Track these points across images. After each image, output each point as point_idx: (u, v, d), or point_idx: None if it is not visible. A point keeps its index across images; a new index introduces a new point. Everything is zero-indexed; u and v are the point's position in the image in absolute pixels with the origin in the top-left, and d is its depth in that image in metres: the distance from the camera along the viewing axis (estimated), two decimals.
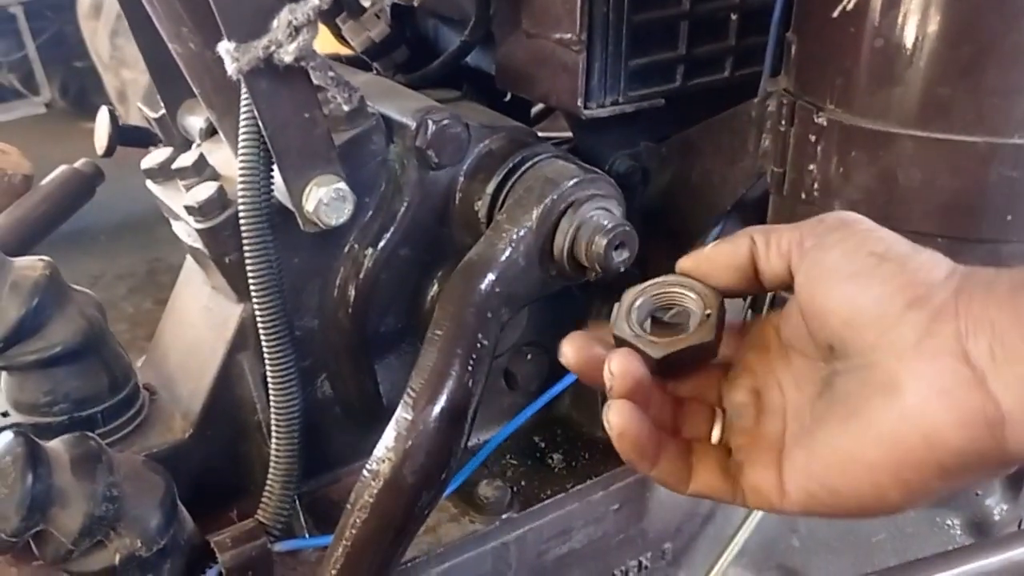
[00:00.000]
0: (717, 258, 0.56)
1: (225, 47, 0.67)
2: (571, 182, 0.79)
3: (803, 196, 0.76)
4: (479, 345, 0.74)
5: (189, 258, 0.94)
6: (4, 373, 0.86)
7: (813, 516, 0.51)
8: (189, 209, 0.78)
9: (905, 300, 0.46)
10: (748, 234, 0.54)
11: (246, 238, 0.75)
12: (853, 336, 0.47)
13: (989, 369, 0.42)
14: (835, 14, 0.66)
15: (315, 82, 0.73)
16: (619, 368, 0.52)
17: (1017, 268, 0.45)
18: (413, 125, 0.80)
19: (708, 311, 0.55)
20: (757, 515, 1.04)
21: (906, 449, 0.44)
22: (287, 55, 0.67)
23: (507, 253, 0.77)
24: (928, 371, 0.44)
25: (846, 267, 0.48)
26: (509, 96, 1.05)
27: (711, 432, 0.57)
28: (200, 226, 0.78)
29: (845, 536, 1.18)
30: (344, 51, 1.11)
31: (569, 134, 1.03)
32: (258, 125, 0.72)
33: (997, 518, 1.22)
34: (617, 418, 0.52)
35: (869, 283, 0.47)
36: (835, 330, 0.49)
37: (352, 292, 0.85)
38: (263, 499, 0.83)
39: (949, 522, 1.22)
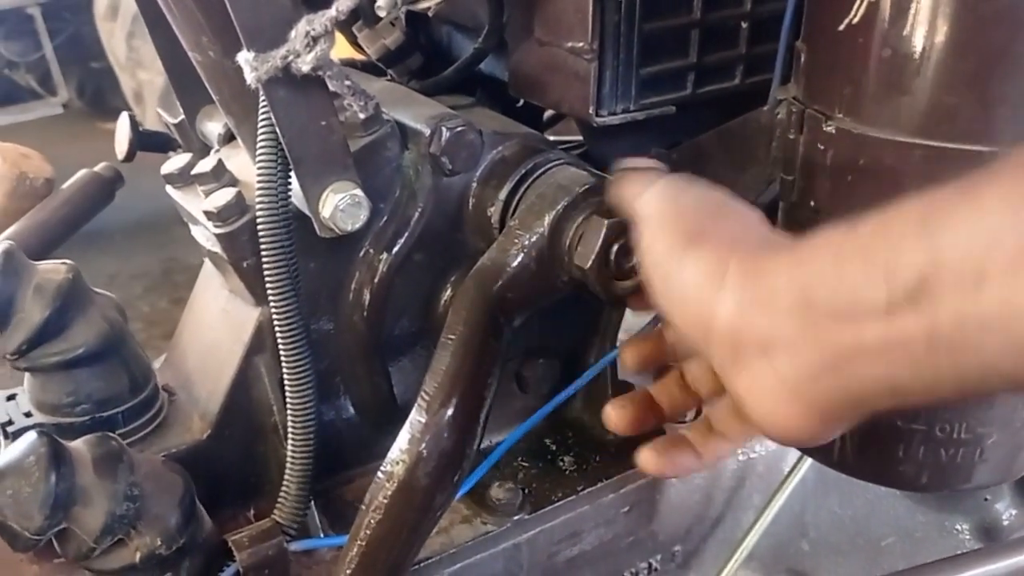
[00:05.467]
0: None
1: (244, 57, 0.68)
2: (583, 189, 0.80)
3: (812, 204, 0.77)
4: (491, 349, 0.75)
5: (207, 262, 0.95)
6: (27, 374, 0.87)
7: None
8: (208, 214, 0.80)
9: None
10: None
11: (264, 243, 0.76)
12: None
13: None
14: (841, 28, 0.67)
15: (331, 90, 0.74)
16: None
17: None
18: (427, 132, 0.82)
19: None
20: (767, 518, 1.05)
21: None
22: (305, 64, 0.68)
23: (519, 259, 0.78)
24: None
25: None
26: (521, 102, 1.07)
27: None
28: (219, 231, 0.80)
29: (854, 540, 1.18)
30: (358, 56, 1.13)
31: (580, 137, 1.05)
32: (276, 132, 0.73)
33: (1006, 523, 1.22)
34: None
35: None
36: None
37: (367, 296, 0.86)
38: (279, 499, 0.84)
39: (958, 527, 1.23)
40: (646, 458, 0.67)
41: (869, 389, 0.42)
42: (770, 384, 0.45)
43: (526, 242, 0.78)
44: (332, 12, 0.67)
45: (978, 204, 0.38)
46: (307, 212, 0.77)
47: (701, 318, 0.49)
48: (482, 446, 0.86)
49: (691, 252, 0.51)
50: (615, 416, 0.71)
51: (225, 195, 0.80)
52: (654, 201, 0.57)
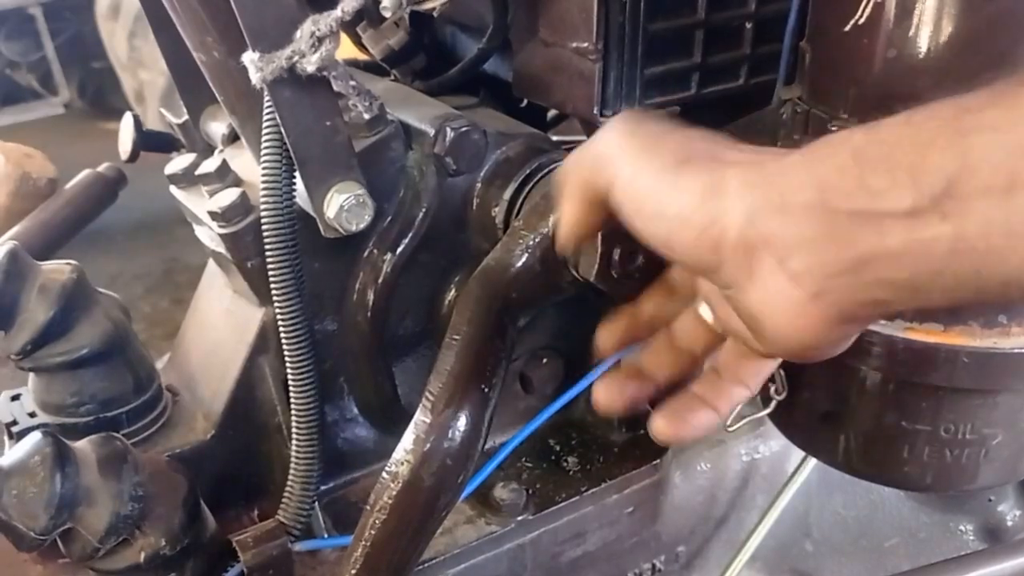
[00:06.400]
0: None
1: (249, 57, 0.68)
2: None
3: None
4: (496, 349, 0.75)
5: (211, 262, 0.95)
6: (32, 374, 0.88)
7: None
8: (212, 214, 0.80)
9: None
10: None
11: (268, 243, 0.76)
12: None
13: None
14: (846, 28, 0.67)
15: (336, 90, 0.74)
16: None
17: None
18: (432, 132, 0.82)
19: None
20: (771, 519, 1.05)
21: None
22: (310, 65, 0.68)
23: (524, 259, 0.78)
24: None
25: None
26: (525, 102, 1.07)
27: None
28: (223, 231, 0.80)
29: (858, 541, 1.18)
30: (362, 56, 1.13)
31: (584, 137, 1.04)
32: (280, 132, 0.73)
33: (1010, 524, 1.22)
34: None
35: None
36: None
37: (371, 296, 0.86)
38: (283, 499, 0.84)
39: (962, 528, 1.23)
40: (660, 425, 0.62)
41: (888, 291, 0.41)
42: (787, 290, 0.43)
43: (530, 242, 0.78)
44: (338, 13, 0.67)
45: (1012, 109, 0.37)
46: (311, 212, 0.77)
47: (709, 236, 0.45)
48: (486, 447, 0.87)
49: (684, 171, 0.47)
50: (603, 395, 0.66)
51: (229, 195, 0.80)
52: (619, 135, 0.52)
